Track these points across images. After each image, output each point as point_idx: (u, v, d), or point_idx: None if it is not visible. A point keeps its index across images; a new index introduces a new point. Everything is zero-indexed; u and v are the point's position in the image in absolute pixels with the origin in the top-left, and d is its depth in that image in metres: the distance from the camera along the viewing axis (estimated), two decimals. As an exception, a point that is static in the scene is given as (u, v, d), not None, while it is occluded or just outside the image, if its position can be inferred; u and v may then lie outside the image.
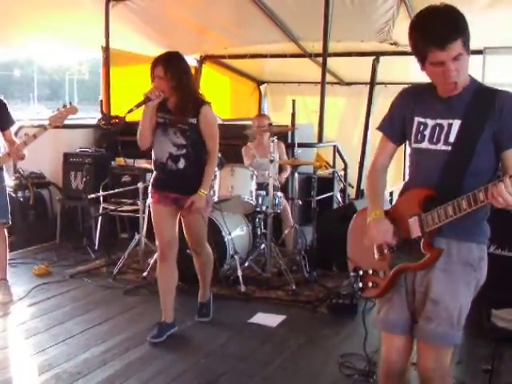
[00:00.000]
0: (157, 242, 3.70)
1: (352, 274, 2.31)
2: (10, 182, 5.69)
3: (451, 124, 2.05)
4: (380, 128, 2.30)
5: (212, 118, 3.56)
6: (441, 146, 2.07)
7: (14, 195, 5.90)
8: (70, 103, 4.00)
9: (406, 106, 2.18)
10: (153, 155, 3.62)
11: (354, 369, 3.27)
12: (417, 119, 2.14)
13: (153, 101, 3.42)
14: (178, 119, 3.47)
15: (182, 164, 3.52)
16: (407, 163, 2.28)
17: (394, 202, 2.29)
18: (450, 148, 2.05)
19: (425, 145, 2.11)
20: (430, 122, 2.10)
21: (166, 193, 3.58)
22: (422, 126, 2.12)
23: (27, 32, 6.77)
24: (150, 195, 3.71)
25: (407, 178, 2.26)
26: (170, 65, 3.41)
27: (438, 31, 1.92)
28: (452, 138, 2.04)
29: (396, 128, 2.23)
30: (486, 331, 3.72)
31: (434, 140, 2.09)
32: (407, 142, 2.25)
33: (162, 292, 3.75)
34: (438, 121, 2.09)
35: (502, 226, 1.92)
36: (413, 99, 2.17)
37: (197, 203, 3.51)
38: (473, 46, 1.99)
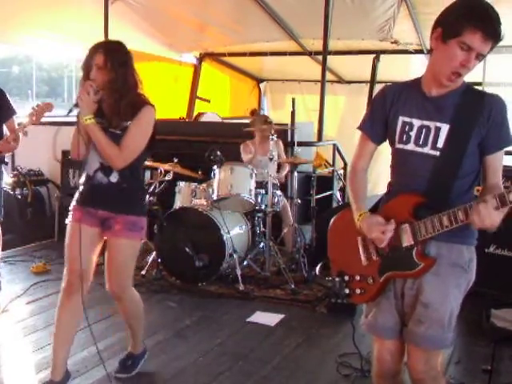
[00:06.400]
0: (65, 270, 2.89)
1: (337, 278, 2.21)
2: (7, 179, 5.67)
3: (439, 128, 1.99)
4: (361, 127, 2.21)
5: (148, 118, 2.81)
6: (428, 150, 2.01)
7: (11, 193, 5.89)
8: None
9: (390, 105, 2.10)
10: None
11: (352, 368, 3.27)
12: (401, 118, 2.07)
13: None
14: (111, 122, 2.79)
15: (114, 177, 2.84)
16: (389, 162, 2.18)
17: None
18: (438, 153, 1.99)
19: (410, 147, 2.04)
20: (416, 123, 2.03)
21: (93, 209, 2.88)
22: (407, 126, 2.05)
23: (26, 29, 6.76)
24: (70, 214, 2.94)
25: (390, 177, 2.19)
26: (113, 53, 2.75)
27: (492, 23, 1.86)
28: (440, 144, 1.99)
29: (377, 127, 2.15)
30: (486, 331, 3.72)
31: (421, 142, 2.02)
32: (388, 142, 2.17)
33: (57, 338, 2.88)
34: (425, 122, 2.02)
35: (502, 226, 1.90)
36: (396, 97, 2.09)
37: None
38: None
